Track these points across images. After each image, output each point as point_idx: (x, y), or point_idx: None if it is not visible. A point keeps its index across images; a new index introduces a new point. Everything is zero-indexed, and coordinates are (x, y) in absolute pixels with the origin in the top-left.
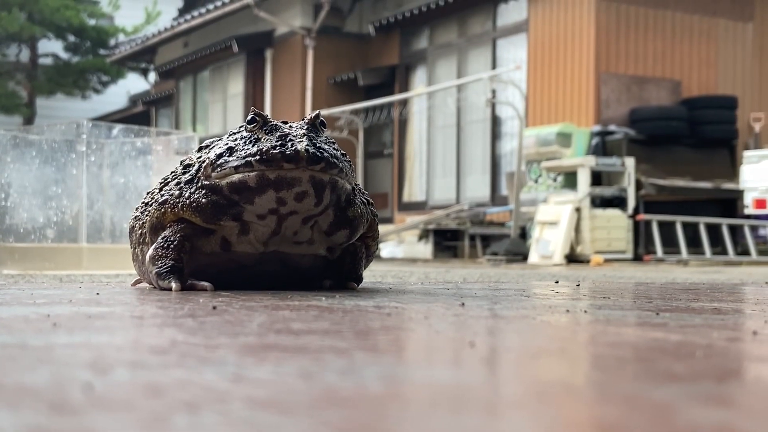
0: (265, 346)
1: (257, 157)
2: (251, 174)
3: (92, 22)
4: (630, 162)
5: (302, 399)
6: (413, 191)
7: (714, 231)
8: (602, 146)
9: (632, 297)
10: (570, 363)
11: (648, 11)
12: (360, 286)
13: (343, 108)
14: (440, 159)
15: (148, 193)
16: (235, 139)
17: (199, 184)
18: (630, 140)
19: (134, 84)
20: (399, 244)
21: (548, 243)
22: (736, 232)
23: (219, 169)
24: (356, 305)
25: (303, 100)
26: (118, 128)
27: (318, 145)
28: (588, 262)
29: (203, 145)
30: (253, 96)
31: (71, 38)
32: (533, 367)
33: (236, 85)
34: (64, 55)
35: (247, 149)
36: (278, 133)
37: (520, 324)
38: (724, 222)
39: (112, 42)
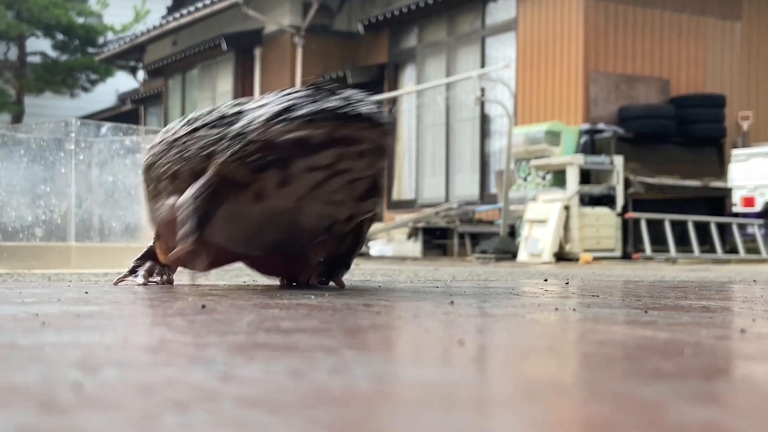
0: (254, 344)
1: (328, 114)
2: (318, 131)
3: (81, 20)
4: (619, 160)
5: (292, 398)
6: (402, 189)
7: (702, 229)
8: (591, 144)
9: (621, 295)
10: (559, 361)
11: (636, 10)
12: (349, 284)
13: None
14: (429, 157)
15: (167, 132)
16: (289, 100)
17: (249, 138)
18: (619, 138)
19: (123, 82)
20: (388, 243)
21: (537, 241)
22: (724, 230)
23: (281, 124)
24: (345, 303)
25: None
26: (106, 127)
27: (379, 108)
28: (577, 260)
29: (238, 101)
30: (242, 94)
31: (60, 36)
32: (522, 366)
33: (225, 84)
34: (52, 54)
35: (314, 107)
36: (340, 95)
37: (509, 322)
38: (713, 220)
39: (101, 40)
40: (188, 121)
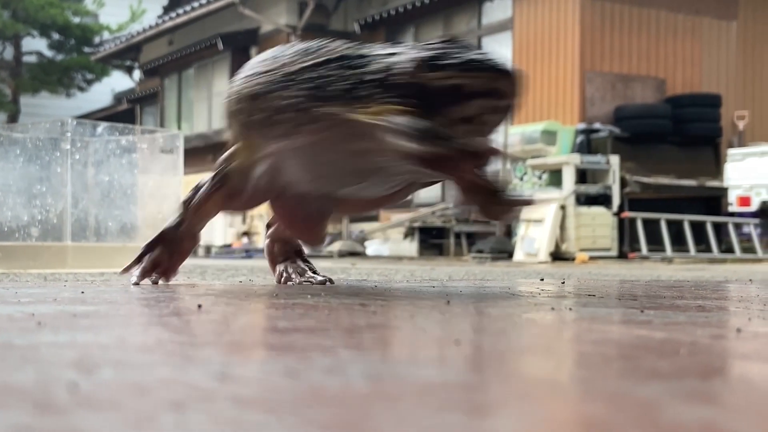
0: (250, 344)
1: (482, 64)
2: (476, 80)
3: (77, 20)
4: (615, 160)
5: (288, 397)
6: None
7: (698, 229)
8: (587, 144)
9: (617, 294)
10: (555, 361)
11: (632, 9)
12: (345, 284)
13: None
14: None
15: (274, 61)
16: (435, 49)
17: (396, 81)
18: (615, 138)
19: (119, 82)
20: (384, 242)
21: (533, 241)
22: (720, 229)
23: (436, 69)
24: (342, 303)
25: None
26: (102, 126)
27: None
28: (573, 259)
29: (352, 44)
30: None
31: (56, 36)
32: (519, 365)
33: (221, 83)
34: (48, 53)
35: (466, 57)
36: (478, 50)
37: (505, 322)
38: (709, 219)
39: (97, 40)
40: (301, 52)
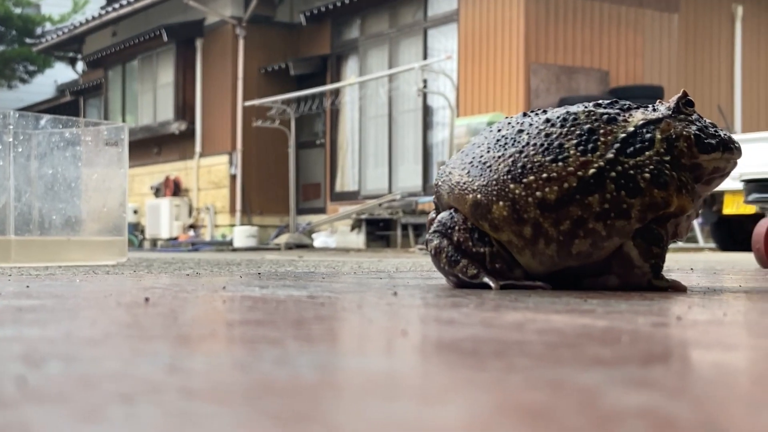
0: (198, 337)
1: (736, 145)
2: (731, 160)
3: (18, 10)
4: None
5: (237, 389)
6: (345, 181)
7: None
8: None
9: (560, 283)
10: (499, 350)
11: (576, 2)
12: (293, 276)
13: (275, 98)
14: (372, 149)
15: (594, 142)
16: (694, 121)
17: (677, 163)
18: None
19: (62, 74)
20: (331, 234)
21: None
22: None
23: (706, 149)
24: (289, 295)
25: (234, 89)
26: (45, 119)
27: None
28: None
29: (629, 106)
30: (184, 86)
31: None
32: (464, 355)
33: (166, 75)
34: None
35: (719, 134)
36: (706, 121)
37: (451, 313)
38: None
39: (39, 31)
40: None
